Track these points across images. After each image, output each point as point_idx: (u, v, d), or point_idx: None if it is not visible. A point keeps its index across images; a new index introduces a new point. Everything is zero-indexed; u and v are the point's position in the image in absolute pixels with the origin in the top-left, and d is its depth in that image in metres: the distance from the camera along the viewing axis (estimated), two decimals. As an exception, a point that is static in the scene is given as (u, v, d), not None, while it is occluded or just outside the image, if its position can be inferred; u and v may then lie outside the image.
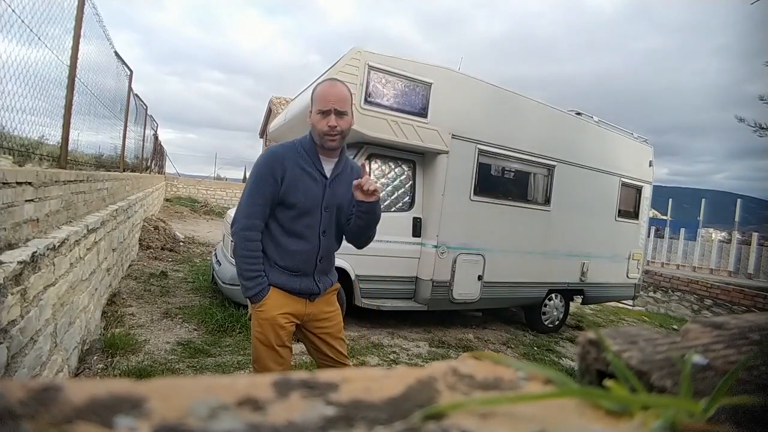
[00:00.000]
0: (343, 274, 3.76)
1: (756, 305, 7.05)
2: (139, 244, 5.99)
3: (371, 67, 3.66)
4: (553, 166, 4.78)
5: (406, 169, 4.19)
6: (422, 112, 3.94)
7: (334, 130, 1.53)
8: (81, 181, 2.68)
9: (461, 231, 4.19)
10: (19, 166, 1.93)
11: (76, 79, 2.73)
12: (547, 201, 4.79)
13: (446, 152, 4.06)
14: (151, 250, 5.99)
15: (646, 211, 5.93)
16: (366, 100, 3.65)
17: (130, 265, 5.02)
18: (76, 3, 2.71)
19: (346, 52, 3.68)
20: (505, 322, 5.16)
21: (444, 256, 4.10)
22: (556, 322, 5.10)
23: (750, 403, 0.22)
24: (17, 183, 1.68)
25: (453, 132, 4.08)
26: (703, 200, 15.67)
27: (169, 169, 16.80)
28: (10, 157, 1.93)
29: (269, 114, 15.15)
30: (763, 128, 7.49)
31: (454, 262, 4.15)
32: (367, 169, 3.95)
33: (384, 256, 3.93)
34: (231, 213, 4.41)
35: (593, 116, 5.29)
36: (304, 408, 0.19)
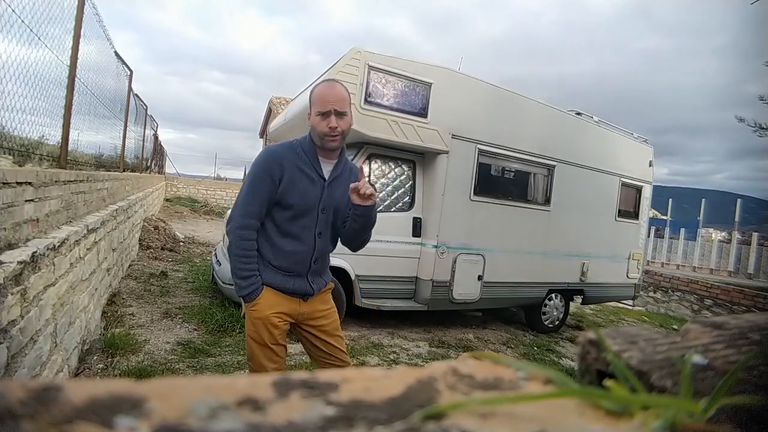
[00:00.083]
0: (343, 274, 3.77)
1: (756, 305, 7.05)
2: (139, 244, 5.99)
3: (371, 67, 3.66)
4: (553, 166, 4.78)
5: (406, 169, 4.19)
6: (422, 112, 3.94)
7: (335, 131, 1.53)
8: (81, 181, 2.68)
9: (461, 231, 4.19)
10: (19, 166, 1.93)
11: (76, 79, 2.73)
12: (547, 201, 4.79)
13: (446, 152, 4.06)
14: (151, 250, 5.99)
15: (646, 211, 5.93)
16: (366, 100, 3.65)
17: (130, 265, 5.02)
18: (76, 3, 2.71)
19: (346, 52, 3.68)
20: (505, 322, 5.16)
21: (444, 256, 4.10)
22: (556, 322, 5.10)
23: (750, 403, 0.22)
24: (17, 183, 1.68)
25: (453, 132, 4.08)
26: (703, 200, 15.66)
27: (169, 169, 16.81)
28: (10, 157, 1.93)
29: (269, 114, 15.15)
30: (763, 128, 7.50)
31: (454, 262, 4.15)
32: (366, 170, 3.95)
33: (384, 256, 3.93)
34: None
35: (593, 116, 5.28)
36: (304, 408, 0.19)
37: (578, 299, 5.44)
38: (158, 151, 11.97)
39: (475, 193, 4.27)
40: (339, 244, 1.76)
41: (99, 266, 3.07)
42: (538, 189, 4.77)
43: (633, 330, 0.30)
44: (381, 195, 4.02)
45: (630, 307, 7.70)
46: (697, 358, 0.26)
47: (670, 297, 8.44)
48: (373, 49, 3.71)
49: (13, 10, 1.81)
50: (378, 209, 4.32)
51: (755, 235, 12.73)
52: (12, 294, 1.45)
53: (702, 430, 0.20)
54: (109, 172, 4.05)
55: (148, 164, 8.97)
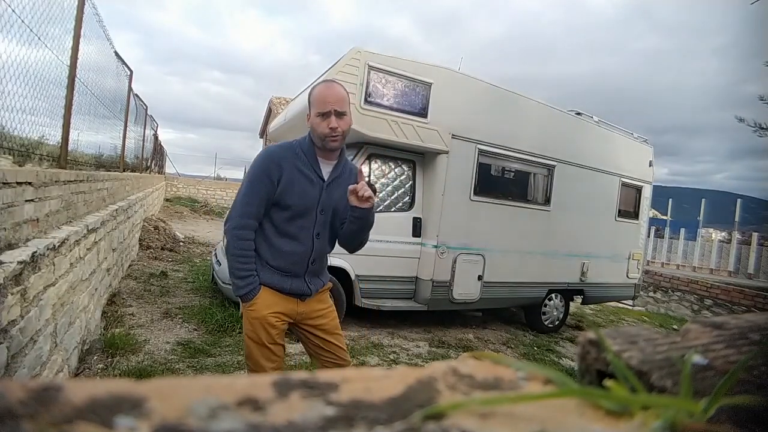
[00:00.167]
0: (343, 274, 3.77)
1: (756, 305, 7.05)
2: (139, 244, 5.99)
3: (371, 67, 3.66)
4: (553, 166, 4.78)
5: (406, 169, 4.19)
6: (422, 112, 3.94)
7: (336, 131, 1.53)
8: (81, 181, 2.68)
9: (461, 231, 4.19)
10: (19, 166, 1.93)
11: (76, 79, 2.73)
12: (547, 201, 4.79)
13: (446, 152, 4.06)
14: (151, 250, 5.99)
15: (646, 211, 5.93)
16: (366, 100, 3.65)
17: (130, 265, 5.02)
18: (76, 3, 2.71)
19: (346, 52, 3.68)
20: (505, 322, 5.16)
21: (444, 256, 4.10)
22: (556, 322, 5.10)
23: (750, 403, 0.22)
24: (17, 183, 1.68)
25: (453, 132, 4.08)
26: (703, 200, 15.66)
27: (169, 169, 16.81)
28: (10, 157, 1.93)
29: (269, 114, 15.15)
30: (763, 128, 7.50)
31: (454, 262, 4.15)
32: (366, 170, 3.95)
33: (384, 256, 3.94)
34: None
35: (593, 116, 5.29)
36: (304, 408, 0.19)
37: (578, 299, 5.44)
38: (158, 151, 11.97)
39: (475, 193, 4.27)
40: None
41: (99, 266, 3.07)
42: (538, 189, 4.77)
43: (633, 330, 0.30)
44: (381, 195, 4.02)
45: (630, 307, 7.70)
46: (697, 358, 0.26)
47: (670, 297, 8.44)
48: (373, 49, 3.71)
49: (13, 10, 1.81)
50: (378, 209, 4.31)
51: (755, 235, 12.72)
52: (12, 294, 1.45)
53: (702, 430, 0.20)
54: (109, 172, 4.05)
55: (148, 164, 8.97)
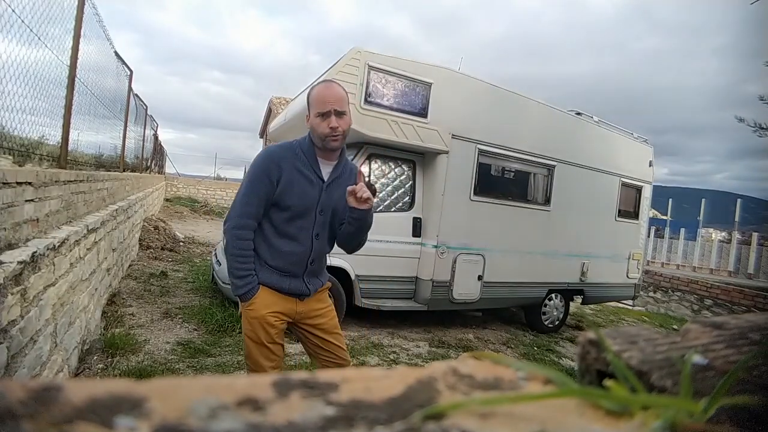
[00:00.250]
0: (343, 274, 3.77)
1: (756, 305, 7.05)
2: (139, 244, 6.00)
3: (371, 67, 3.66)
4: (553, 166, 4.78)
5: (406, 169, 4.19)
6: (422, 112, 3.94)
7: (336, 131, 1.53)
8: (81, 181, 2.68)
9: (461, 231, 4.19)
10: (19, 166, 1.93)
11: (76, 79, 2.73)
12: (547, 201, 4.79)
13: (446, 152, 4.06)
14: (151, 250, 5.99)
15: (646, 211, 5.93)
16: (366, 100, 3.65)
17: (130, 265, 5.02)
18: (76, 3, 2.71)
19: (346, 52, 3.68)
20: (505, 322, 5.16)
21: (444, 256, 4.10)
22: (556, 322, 5.10)
23: (750, 403, 0.22)
24: (17, 183, 1.68)
25: (453, 132, 4.08)
26: (703, 200, 15.66)
27: (169, 169, 16.81)
28: (10, 157, 1.93)
29: (269, 114, 15.15)
30: (763, 128, 7.50)
31: (454, 262, 4.15)
32: (366, 170, 3.95)
33: (384, 256, 3.94)
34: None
35: (593, 116, 5.29)
36: (304, 408, 0.19)
37: (578, 299, 5.44)
38: (158, 151, 11.97)
39: (475, 193, 4.27)
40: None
41: (99, 266, 3.07)
42: (538, 189, 4.77)
43: (633, 330, 0.30)
44: (381, 195, 4.02)
45: (630, 307, 7.70)
46: (697, 358, 0.26)
47: (670, 297, 8.44)
48: (373, 49, 3.71)
49: (13, 10, 1.81)
50: (378, 209, 4.31)
51: (755, 235, 12.73)
52: (12, 294, 1.45)
53: (702, 430, 0.20)
54: (109, 172, 4.05)
55: (148, 164, 8.97)
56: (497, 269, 4.43)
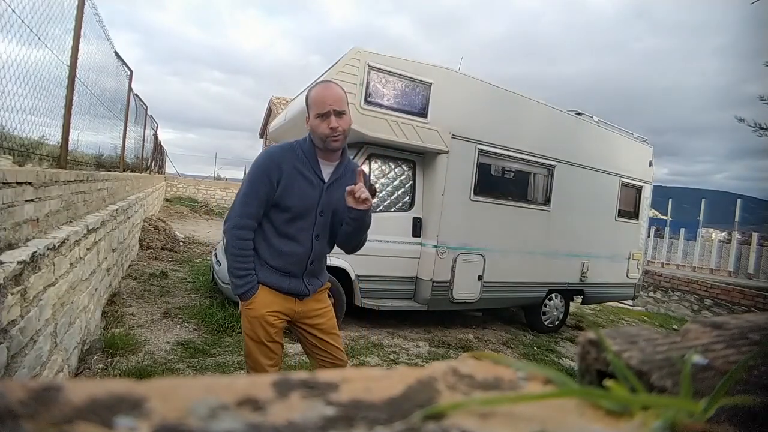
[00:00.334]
0: (343, 274, 3.77)
1: (756, 305, 7.05)
2: (139, 244, 5.99)
3: (371, 67, 3.66)
4: (553, 166, 4.78)
5: (406, 169, 4.19)
6: (422, 112, 3.94)
7: (336, 131, 1.52)
8: (81, 181, 2.68)
9: (461, 231, 4.19)
10: (19, 166, 1.93)
11: (76, 79, 2.73)
12: (547, 201, 4.79)
13: (446, 152, 4.06)
14: (151, 250, 5.99)
15: (646, 211, 5.93)
16: (366, 100, 3.65)
17: (130, 265, 5.02)
18: (76, 3, 2.71)
19: (346, 52, 3.68)
20: (505, 322, 5.16)
21: (444, 256, 4.10)
22: (556, 322, 5.10)
23: (750, 403, 0.22)
24: (17, 183, 1.68)
25: (453, 132, 4.08)
26: (703, 200, 15.66)
27: (169, 169, 16.81)
28: (10, 157, 1.93)
29: (269, 114, 15.15)
30: (763, 128, 7.50)
31: (454, 262, 4.15)
32: (366, 170, 3.95)
33: (384, 256, 3.94)
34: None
35: (593, 116, 5.29)
36: (304, 408, 0.19)
37: (578, 299, 5.44)
38: (158, 151, 11.97)
39: (475, 193, 4.27)
40: None
41: (99, 266, 3.07)
42: (538, 189, 4.77)
43: (633, 330, 0.30)
44: (381, 195, 4.02)
45: (630, 307, 7.70)
46: (697, 358, 0.26)
47: (670, 297, 8.44)
48: (373, 49, 3.71)
49: (13, 10, 1.81)
50: (378, 209, 4.31)
51: (755, 235, 12.73)
52: (12, 294, 1.45)
53: (702, 430, 0.20)
54: (109, 172, 4.05)
55: (148, 164, 8.97)
56: (497, 269, 4.43)
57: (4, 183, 1.55)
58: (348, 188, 1.51)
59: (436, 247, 4.06)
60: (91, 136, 3.73)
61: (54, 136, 2.59)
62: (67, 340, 2.23)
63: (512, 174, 4.60)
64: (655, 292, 8.73)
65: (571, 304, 5.37)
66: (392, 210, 4.08)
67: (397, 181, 4.15)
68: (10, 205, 1.61)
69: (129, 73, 5.29)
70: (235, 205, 1.61)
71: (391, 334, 4.03)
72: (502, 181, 4.54)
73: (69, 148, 2.70)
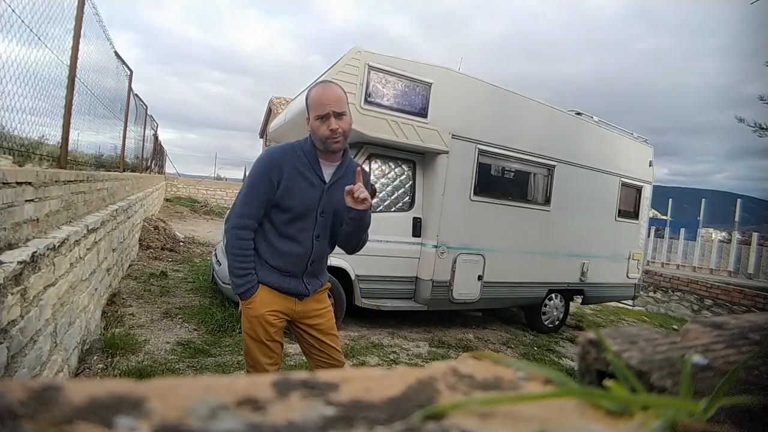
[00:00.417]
0: (343, 274, 3.77)
1: (756, 305, 7.05)
2: (139, 244, 5.99)
3: (371, 67, 3.66)
4: (553, 166, 4.78)
5: (406, 169, 4.20)
6: (422, 112, 3.94)
7: (336, 132, 1.52)
8: (81, 181, 2.68)
9: (461, 231, 4.19)
10: (19, 166, 1.93)
11: (76, 79, 2.73)
12: (547, 201, 4.79)
13: (446, 152, 4.06)
14: (151, 250, 5.99)
15: (646, 211, 5.93)
16: (366, 100, 3.65)
17: (130, 265, 5.02)
18: (76, 3, 2.71)
19: (346, 52, 3.68)
20: (505, 322, 5.16)
21: (444, 256, 4.10)
22: (556, 322, 5.10)
23: (750, 403, 0.22)
24: (17, 183, 1.68)
25: (453, 132, 4.08)
26: (703, 200, 15.67)
27: (169, 169, 16.81)
28: (10, 157, 1.93)
29: (269, 114, 15.15)
30: (763, 128, 7.50)
31: (454, 262, 4.15)
32: (366, 170, 3.95)
33: (384, 256, 3.94)
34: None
35: (593, 116, 5.29)
36: (304, 408, 0.19)
37: (578, 299, 5.44)
38: (158, 151, 11.97)
39: (475, 193, 4.27)
40: None
41: (99, 266, 3.07)
42: (538, 189, 4.77)
43: (633, 330, 0.30)
44: (381, 195, 4.02)
45: (630, 307, 7.70)
46: (697, 358, 0.26)
47: (670, 297, 8.44)
48: (373, 49, 3.71)
49: (13, 10, 1.81)
50: (378, 209, 4.30)
51: (755, 235, 12.73)
52: (12, 294, 1.45)
53: (702, 430, 0.20)
54: (109, 172, 4.05)
55: (148, 164, 8.97)
56: (497, 269, 4.43)
57: (4, 183, 1.55)
58: (347, 188, 1.50)
59: (436, 247, 4.06)
60: (91, 136, 3.73)
61: (54, 136, 2.59)
62: (67, 340, 2.23)
63: (512, 174, 4.60)
64: (655, 292, 8.73)
65: (571, 304, 5.37)
66: (392, 210, 4.08)
67: (397, 181, 4.15)
68: (10, 205, 1.61)
69: (129, 73, 5.29)
70: (236, 205, 1.61)
71: (391, 334, 4.03)
72: (502, 181, 4.54)
73: (69, 148, 2.70)
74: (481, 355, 0.27)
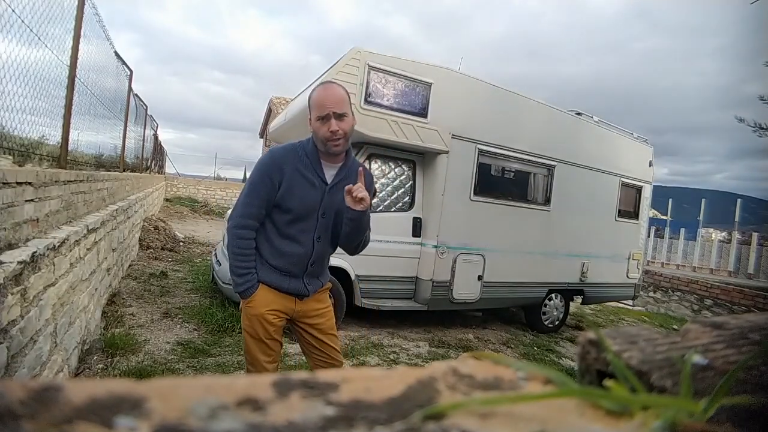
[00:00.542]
0: (343, 274, 3.77)
1: (756, 305, 7.05)
2: (139, 244, 5.99)
3: (371, 67, 3.66)
4: (553, 166, 4.78)
5: (406, 169, 4.20)
6: (422, 112, 3.94)
7: (336, 134, 1.51)
8: (81, 181, 2.68)
9: (461, 231, 4.19)
10: (19, 166, 1.93)
11: (76, 79, 2.73)
12: (547, 201, 4.79)
13: (446, 152, 4.06)
14: (151, 250, 5.99)
15: (646, 211, 5.93)
16: (366, 100, 3.65)
17: (130, 265, 5.02)
18: (76, 3, 2.71)
19: (346, 52, 3.68)
20: (505, 322, 5.16)
21: (444, 256, 4.10)
22: (556, 322, 5.10)
23: (750, 403, 0.22)
24: (17, 183, 1.68)
25: (453, 132, 4.08)
26: (703, 200, 15.67)
27: (169, 169, 16.81)
28: (10, 157, 1.93)
29: (269, 114, 15.16)
30: (763, 128, 7.50)
31: (454, 262, 4.15)
32: (369, 171, 3.94)
33: (384, 256, 3.94)
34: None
35: (593, 116, 5.29)
36: (304, 408, 0.19)
37: (578, 299, 5.44)
38: (158, 151, 11.97)
39: (475, 193, 4.27)
40: None
41: (99, 266, 3.07)
42: (538, 189, 4.77)
43: (633, 330, 0.30)
44: (381, 195, 4.02)
45: (630, 307, 7.70)
46: (697, 358, 0.26)
47: (670, 297, 8.44)
48: (373, 49, 3.71)
49: (13, 10, 1.81)
50: (378, 209, 4.29)
51: (755, 235, 12.73)
52: (12, 294, 1.45)
53: (702, 430, 0.20)
54: (109, 172, 4.05)
55: (148, 164, 8.97)
56: (497, 269, 4.43)
57: (4, 183, 1.55)
58: (346, 187, 1.50)
59: (436, 247, 4.06)
60: (91, 136, 3.73)
61: (54, 136, 2.59)
62: (67, 340, 2.23)
63: (512, 174, 4.60)
64: (655, 292, 8.73)
65: (571, 304, 5.37)
66: (392, 210, 4.09)
67: (397, 181, 4.15)
68: (10, 205, 1.61)
69: (129, 73, 5.29)
70: (237, 205, 1.62)
71: (391, 334, 4.03)
72: (502, 181, 4.54)
73: (69, 148, 2.70)
74: (481, 355, 0.27)
